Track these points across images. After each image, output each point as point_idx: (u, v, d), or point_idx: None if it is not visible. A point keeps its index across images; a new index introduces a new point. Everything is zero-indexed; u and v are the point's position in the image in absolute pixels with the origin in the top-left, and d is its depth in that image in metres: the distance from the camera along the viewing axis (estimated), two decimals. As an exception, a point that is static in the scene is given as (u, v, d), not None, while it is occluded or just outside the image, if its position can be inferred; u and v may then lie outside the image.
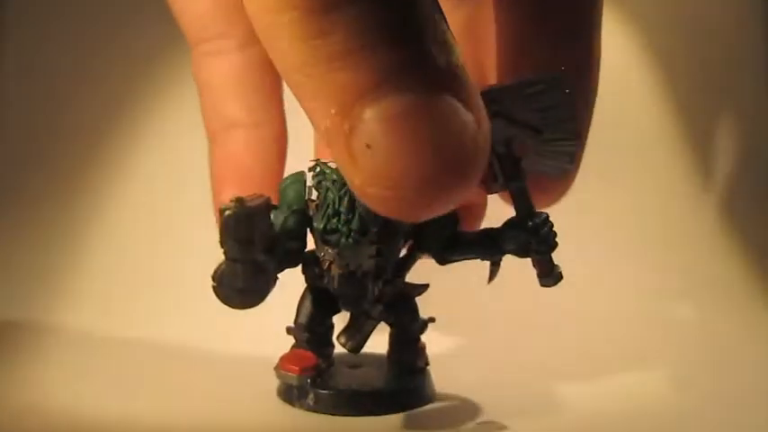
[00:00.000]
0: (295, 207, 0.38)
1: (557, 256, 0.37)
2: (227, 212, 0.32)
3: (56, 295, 0.50)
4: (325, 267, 0.38)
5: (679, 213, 0.60)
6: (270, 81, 0.42)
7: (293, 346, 0.40)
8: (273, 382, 0.40)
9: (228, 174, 0.41)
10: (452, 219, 0.39)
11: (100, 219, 0.55)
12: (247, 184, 0.39)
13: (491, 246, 0.38)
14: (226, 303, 0.34)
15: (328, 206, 0.36)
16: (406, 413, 0.38)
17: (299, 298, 0.40)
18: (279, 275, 0.35)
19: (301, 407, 0.38)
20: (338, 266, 0.37)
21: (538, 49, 0.36)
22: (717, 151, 0.61)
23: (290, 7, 0.23)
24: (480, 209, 0.40)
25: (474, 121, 0.24)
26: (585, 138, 0.38)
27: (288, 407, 0.39)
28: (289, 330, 0.41)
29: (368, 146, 0.24)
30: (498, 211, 0.38)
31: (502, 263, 0.39)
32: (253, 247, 0.33)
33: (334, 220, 0.36)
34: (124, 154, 0.57)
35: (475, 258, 0.39)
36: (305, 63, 0.24)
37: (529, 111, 0.36)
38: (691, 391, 0.43)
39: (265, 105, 0.42)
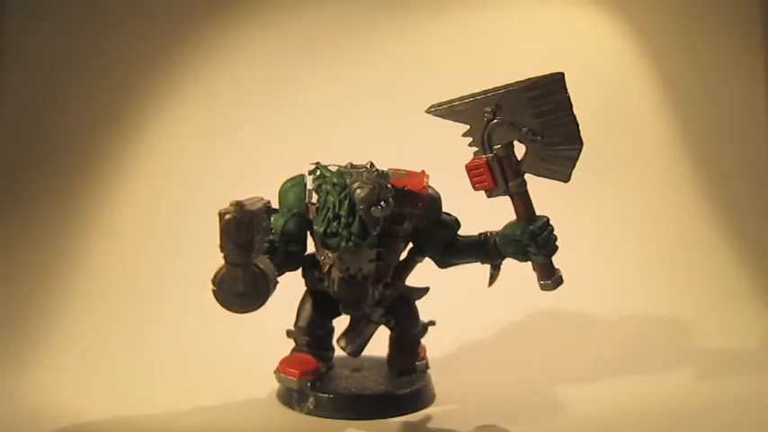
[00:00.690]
0: (295, 210, 0.38)
1: (557, 259, 0.37)
2: (227, 216, 0.32)
3: (56, 295, 0.50)
4: (326, 271, 0.38)
5: (679, 214, 0.60)
6: None
7: (293, 350, 0.40)
8: (273, 386, 0.40)
9: None
10: (453, 222, 0.39)
11: (100, 219, 0.55)
12: None
13: (491, 249, 0.38)
14: (226, 308, 0.33)
15: (329, 209, 0.36)
16: (406, 416, 0.38)
17: (299, 301, 0.40)
18: (279, 279, 0.35)
19: (301, 410, 0.38)
20: (338, 270, 0.37)
21: None
22: (717, 152, 0.61)
23: None
24: None
25: None
26: None
27: (288, 410, 0.39)
28: (289, 334, 0.41)
29: None
30: (498, 213, 0.38)
31: (502, 267, 0.39)
32: (253, 252, 0.32)
33: (335, 224, 0.36)
34: (124, 154, 0.57)
35: (475, 262, 0.39)
36: None
37: (530, 115, 0.36)
38: (691, 392, 0.42)
39: None
